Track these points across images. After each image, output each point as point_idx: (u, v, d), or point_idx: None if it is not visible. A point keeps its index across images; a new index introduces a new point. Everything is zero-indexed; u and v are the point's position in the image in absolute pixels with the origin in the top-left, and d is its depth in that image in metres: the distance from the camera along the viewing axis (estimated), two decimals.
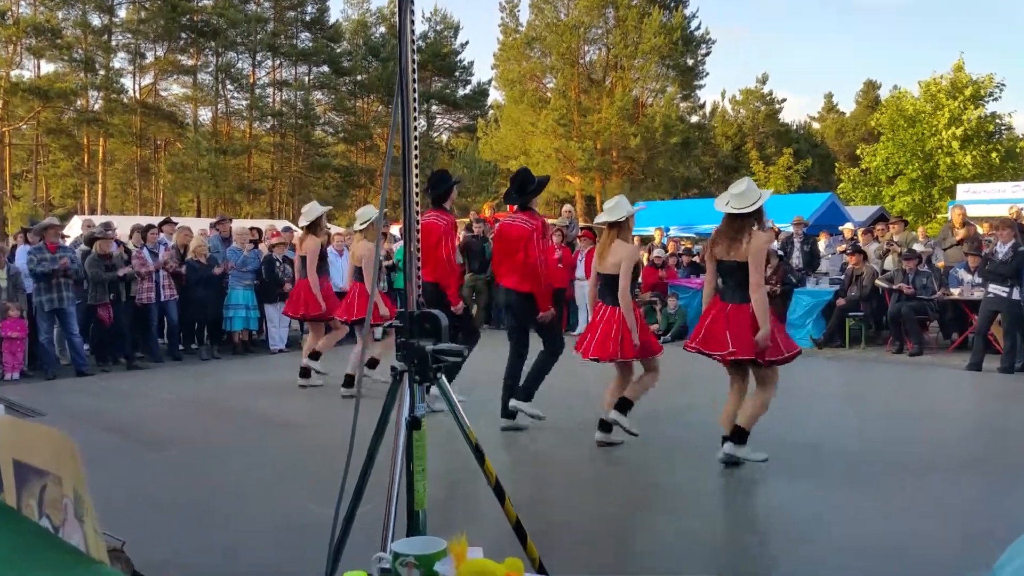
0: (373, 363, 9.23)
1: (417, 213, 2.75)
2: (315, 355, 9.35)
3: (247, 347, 12.56)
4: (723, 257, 5.70)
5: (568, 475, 5.89)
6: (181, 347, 12.18)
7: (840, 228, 17.27)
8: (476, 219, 15.85)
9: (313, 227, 9.26)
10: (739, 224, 5.63)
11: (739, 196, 5.64)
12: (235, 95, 45.95)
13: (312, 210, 9.32)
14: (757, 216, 5.67)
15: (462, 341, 7.89)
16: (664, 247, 16.52)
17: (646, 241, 20.94)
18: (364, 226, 8.67)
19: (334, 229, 17.25)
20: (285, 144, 46.31)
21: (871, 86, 63.05)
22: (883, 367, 11.11)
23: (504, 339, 7.37)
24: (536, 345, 7.21)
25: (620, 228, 6.43)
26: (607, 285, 6.43)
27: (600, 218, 6.58)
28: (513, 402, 7.06)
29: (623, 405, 6.49)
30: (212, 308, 12.08)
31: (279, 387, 9.43)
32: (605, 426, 6.51)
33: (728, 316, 5.64)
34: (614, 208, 6.45)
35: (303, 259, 9.32)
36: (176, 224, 13.48)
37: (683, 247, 17.74)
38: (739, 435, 5.75)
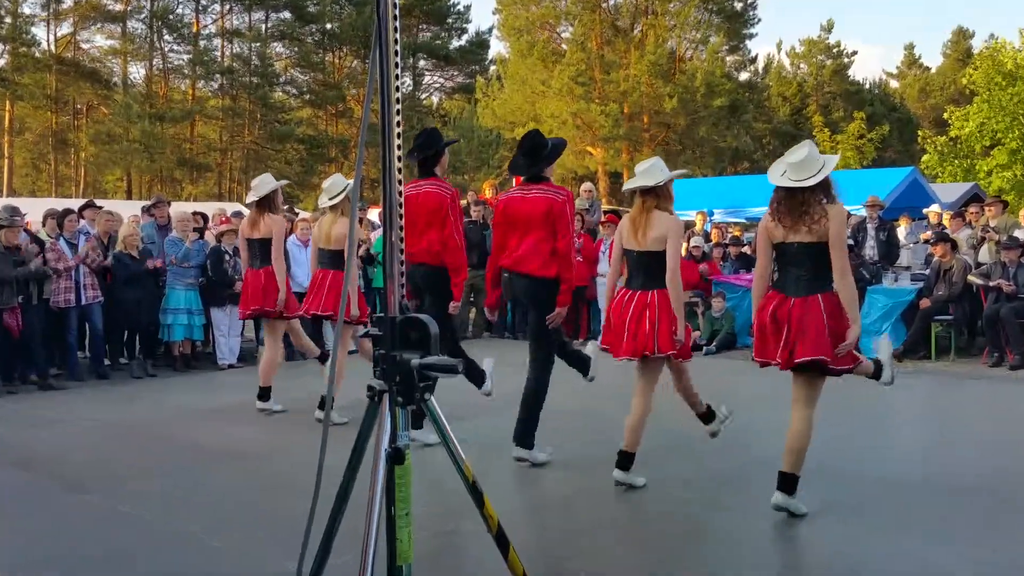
0: (324, 357, 9.31)
1: (400, 194, 2.73)
2: (324, 357, 9.40)
3: (189, 362, 12.56)
4: (785, 239, 5.65)
5: (587, 520, 5.88)
6: (107, 362, 12.18)
7: (924, 211, 17.26)
8: (475, 201, 15.83)
9: (267, 204, 9.22)
10: (802, 199, 5.57)
11: (798, 165, 5.57)
12: (174, 48, 46.10)
13: (264, 183, 9.28)
14: (825, 189, 5.61)
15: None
16: (706, 235, 16.51)
17: (685, 228, 20.95)
18: (336, 200, 8.59)
19: (299, 214, 17.27)
20: (237, 108, 46.37)
21: (962, 35, 63.05)
22: (978, 384, 11.08)
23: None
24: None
25: (658, 196, 6.39)
26: (642, 266, 6.36)
27: (631, 183, 6.50)
28: (516, 452, 7.02)
29: (708, 417, 6.72)
30: (146, 313, 12.08)
31: (230, 411, 9.42)
32: (625, 461, 6.45)
33: (792, 312, 5.57)
34: (649, 170, 6.40)
35: (258, 244, 9.24)
36: (101, 208, 13.49)
37: (730, 235, 17.73)
38: (789, 482, 5.71)
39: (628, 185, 6.63)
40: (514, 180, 8.36)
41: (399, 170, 2.73)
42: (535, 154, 7.01)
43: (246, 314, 9.65)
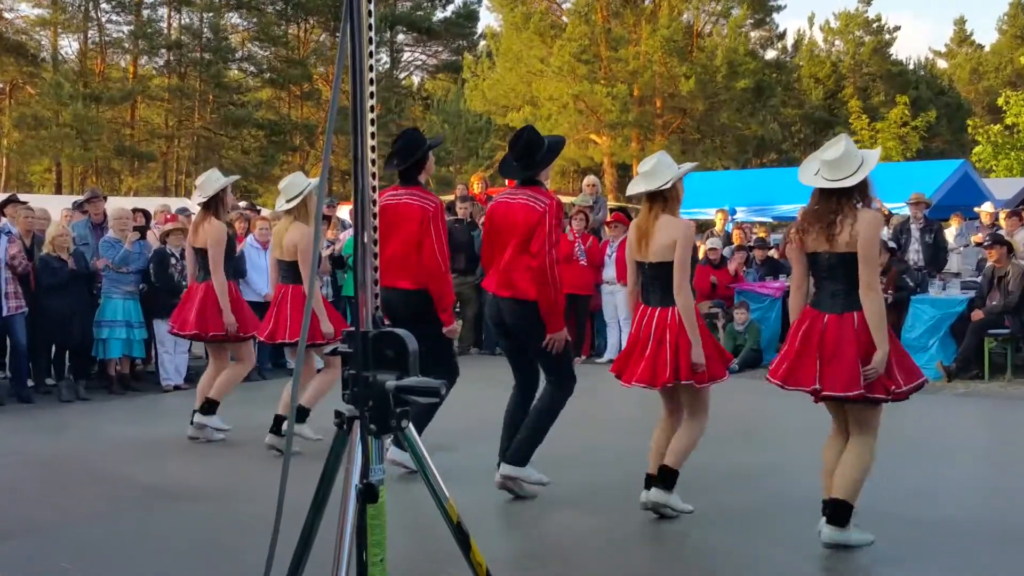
0: (303, 413, 9.17)
1: (374, 188, 2.72)
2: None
3: (128, 383, 12.52)
4: (817, 249, 5.69)
5: (593, 570, 5.86)
6: (31, 383, 12.13)
7: (976, 209, 17.29)
8: (462, 196, 15.84)
9: (214, 205, 9.19)
10: (836, 203, 5.62)
11: (834, 164, 5.64)
12: (113, 18, 46.04)
13: (211, 181, 9.25)
14: (861, 190, 5.66)
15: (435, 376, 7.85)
16: (727, 236, 16.52)
17: (702, 228, 20.97)
18: (294, 203, 8.56)
19: (260, 211, 17.24)
20: (185, 89, 46.32)
21: (1021, 8, 63.20)
22: None
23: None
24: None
25: (665, 199, 6.42)
26: (655, 280, 6.42)
27: (635, 186, 6.56)
28: (505, 470, 7.01)
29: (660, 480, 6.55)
30: (78, 326, 12.04)
31: (176, 442, 9.38)
32: (665, 480, 6.48)
33: (825, 333, 5.61)
34: (653, 171, 6.43)
35: (202, 254, 9.25)
36: (25, 204, 13.45)
37: (755, 236, 17.75)
38: (840, 512, 5.71)
39: (632, 189, 6.66)
40: (506, 181, 8.36)
41: (373, 161, 2.72)
42: (529, 155, 7.01)
43: (178, 332, 9.64)
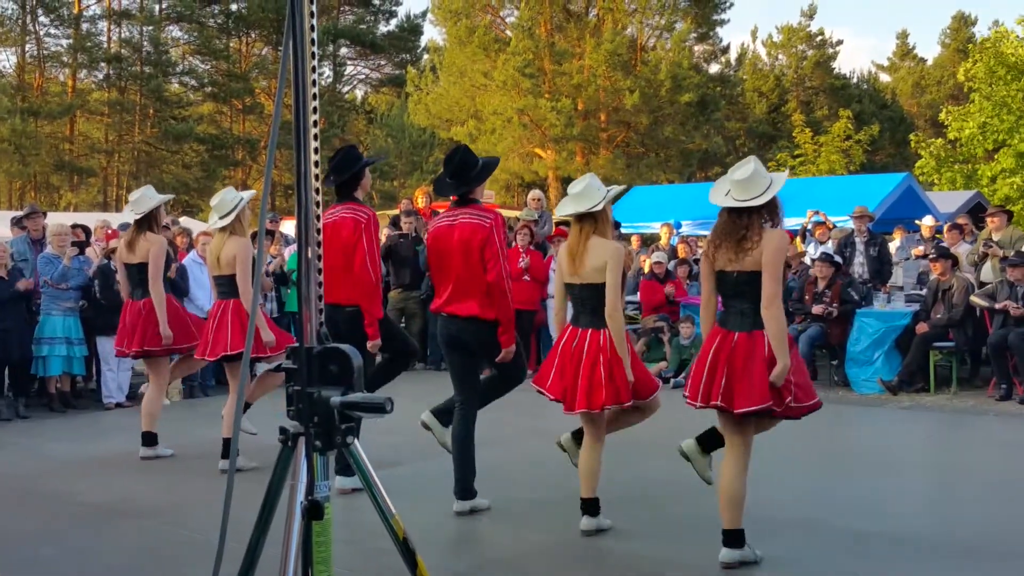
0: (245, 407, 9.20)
1: (318, 204, 2.72)
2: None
3: (69, 401, 12.40)
4: (725, 267, 5.78)
5: None
6: None
7: (916, 222, 17.48)
8: (406, 211, 15.82)
9: (148, 222, 9.16)
10: (746, 221, 5.73)
11: (743, 184, 5.76)
12: (51, 31, 45.59)
13: (145, 198, 9.21)
14: (770, 210, 5.79)
15: (392, 364, 7.93)
16: (672, 250, 16.62)
17: (648, 242, 21.09)
18: (228, 219, 8.52)
19: (197, 226, 17.13)
20: (125, 103, 45.95)
21: (963, 22, 64.39)
22: (985, 420, 11.26)
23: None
24: None
25: (595, 221, 6.48)
26: (584, 301, 6.49)
27: (563, 207, 6.65)
28: (457, 506, 7.06)
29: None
30: (16, 343, 11.90)
31: (119, 460, 9.31)
32: (592, 507, 6.55)
33: (735, 351, 5.68)
34: (582, 193, 6.52)
35: (136, 269, 9.20)
36: None
37: (699, 249, 17.85)
38: (736, 538, 5.84)
39: (561, 211, 6.74)
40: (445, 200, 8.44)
41: (316, 176, 2.72)
42: (463, 174, 7.09)
43: (126, 353, 9.58)
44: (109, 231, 14.04)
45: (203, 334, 8.92)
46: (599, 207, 6.44)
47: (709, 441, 6.40)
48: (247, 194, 8.83)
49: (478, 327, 6.97)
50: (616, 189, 6.73)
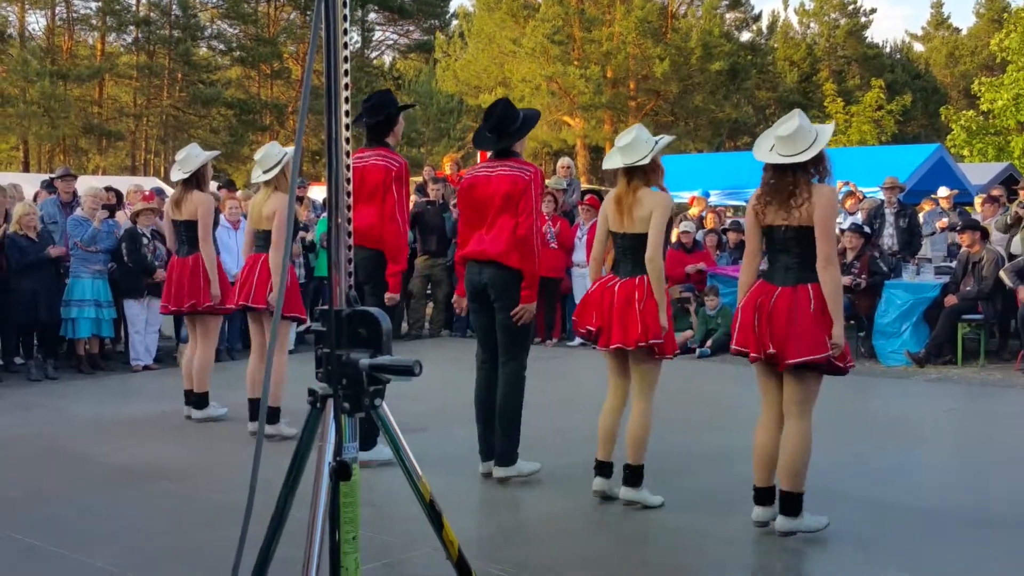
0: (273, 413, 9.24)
1: (348, 168, 2.74)
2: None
3: (97, 362, 12.48)
4: (774, 222, 5.72)
5: (562, 546, 5.92)
6: (0, 362, 12.10)
7: (933, 196, 17.33)
8: (432, 178, 15.82)
9: (195, 180, 9.17)
10: (792, 177, 5.65)
11: (788, 139, 5.65)
12: None
13: (192, 156, 9.19)
14: (816, 165, 5.70)
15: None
16: (699, 220, 16.53)
17: (676, 211, 20.97)
18: (272, 173, 8.49)
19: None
20: (154, 67, 46.02)
21: None
22: (1012, 393, 11.20)
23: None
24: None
25: (644, 173, 6.44)
26: (629, 250, 6.45)
27: (611, 159, 6.57)
28: (498, 472, 7.06)
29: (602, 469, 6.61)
30: (46, 305, 11.98)
31: (146, 421, 9.37)
32: (605, 469, 6.56)
33: (776, 304, 5.64)
34: (632, 145, 6.42)
35: (184, 226, 9.20)
36: None
37: (728, 219, 17.78)
38: (792, 503, 5.76)
39: (608, 163, 6.65)
40: (479, 155, 8.35)
41: (347, 140, 2.73)
42: (504, 127, 7.03)
43: (171, 310, 9.62)
44: (144, 195, 14.05)
45: (239, 285, 8.84)
46: (646, 160, 6.37)
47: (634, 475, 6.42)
48: (291, 150, 8.78)
49: (496, 270, 6.90)
50: (666, 139, 6.62)
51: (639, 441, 6.42)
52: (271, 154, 8.59)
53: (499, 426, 7.01)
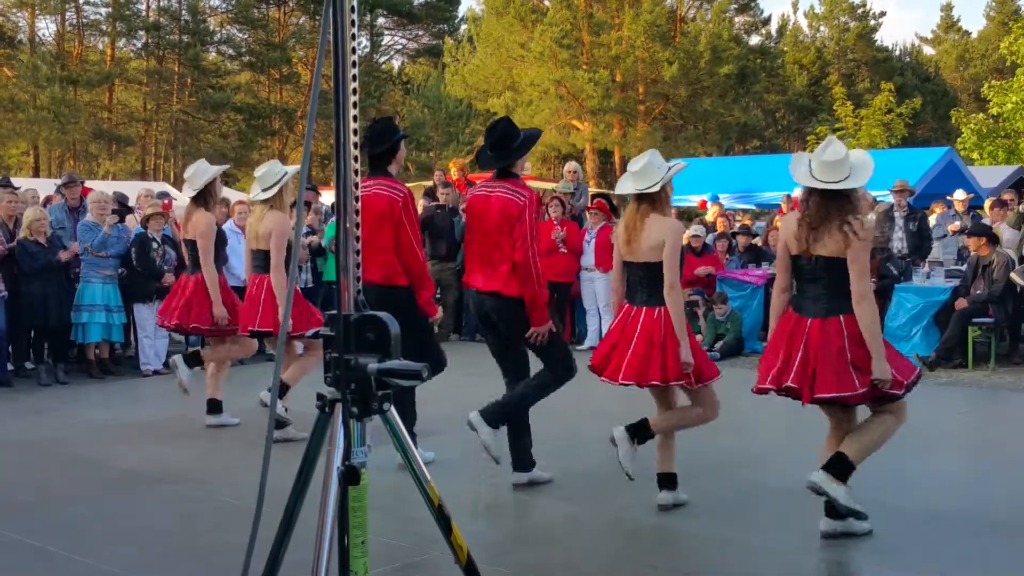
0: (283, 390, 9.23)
1: (356, 172, 2.75)
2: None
3: (107, 367, 12.51)
4: (804, 251, 5.69)
5: (571, 552, 5.91)
6: (10, 367, 12.12)
7: (948, 197, 17.33)
8: (442, 182, 15.83)
9: (204, 198, 9.12)
10: (829, 205, 5.61)
11: (830, 166, 5.61)
12: (90, 0, 45.74)
13: (200, 172, 9.13)
14: (853, 197, 5.67)
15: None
16: (709, 225, 16.53)
17: (686, 216, 21.01)
18: (270, 192, 8.46)
19: (234, 195, 17.21)
20: (163, 72, 46.09)
21: None
22: (1022, 397, 11.17)
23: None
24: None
25: (653, 200, 6.41)
26: (641, 279, 6.42)
27: (623, 186, 6.56)
28: (515, 478, 7.06)
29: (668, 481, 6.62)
30: (56, 310, 12.02)
31: (156, 425, 9.39)
32: (669, 482, 6.56)
33: (808, 337, 5.61)
34: (644, 171, 6.40)
35: (190, 245, 9.17)
36: (9, 188, 13.40)
37: (738, 223, 17.77)
38: (840, 465, 5.69)
39: (620, 188, 6.64)
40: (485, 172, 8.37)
41: (355, 144, 2.74)
42: (503, 146, 7.04)
43: (165, 324, 9.67)
44: (166, 201, 14.10)
45: (245, 307, 8.86)
46: (656, 188, 6.34)
47: (640, 431, 6.41)
48: (292, 169, 8.78)
49: (497, 303, 6.92)
50: (678, 166, 6.59)
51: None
52: (271, 172, 8.57)
53: (507, 429, 7.03)
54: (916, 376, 5.81)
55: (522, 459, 7.04)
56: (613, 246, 6.69)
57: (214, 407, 9.26)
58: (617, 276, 6.66)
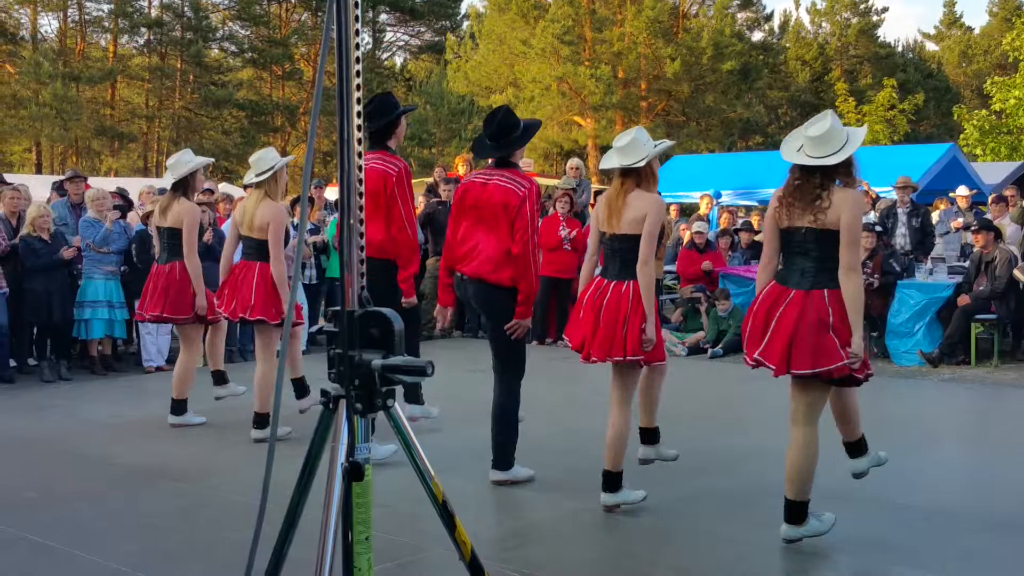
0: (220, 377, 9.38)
1: (360, 168, 2.74)
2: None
3: (110, 363, 12.51)
4: (794, 224, 5.60)
5: (573, 548, 5.92)
6: (13, 363, 12.12)
7: (951, 194, 17.31)
8: (444, 179, 15.82)
9: (183, 187, 9.08)
10: (819, 180, 5.53)
11: (818, 140, 5.52)
12: None
13: (182, 162, 9.09)
14: (845, 169, 5.61)
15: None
16: (712, 221, 16.53)
17: (687, 212, 21.00)
18: (264, 176, 8.40)
19: (239, 192, 17.17)
20: (166, 69, 46.12)
21: None
22: None
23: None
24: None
25: (639, 176, 6.36)
26: (616, 252, 6.35)
27: (608, 161, 6.48)
28: (493, 475, 7.04)
29: (650, 437, 6.61)
30: (59, 307, 12.02)
31: (158, 422, 9.37)
32: (611, 482, 6.46)
33: (787, 309, 5.55)
34: (630, 146, 6.34)
35: (167, 233, 9.14)
36: (11, 185, 13.41)
37: (740, 220, 17.77)
38: (798, 512, 5.66)
39: (605, 163, 6.56)
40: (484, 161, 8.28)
41: (359, 141, 2.73)
42: (503, 135, 6.98)
43: (143, 317, 9.60)
44: (154, 196, 14.11)
45: (220, 291, 8.74)
46: (642, 163, 6.29)
47: (647, 436, 6.50)
48: (288, 159, 8.78)
49: (480, 289, 6.90)
50: (664, 144, 6.56)
51: (612, 446, 6.39)
52: (266, 158, 8.52)
53: (494, 434, 7.01)
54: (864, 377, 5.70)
55: (504, 460, 7.04)
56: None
57: (219, 378, 9.40)
58: (592, 249, 6.59)
